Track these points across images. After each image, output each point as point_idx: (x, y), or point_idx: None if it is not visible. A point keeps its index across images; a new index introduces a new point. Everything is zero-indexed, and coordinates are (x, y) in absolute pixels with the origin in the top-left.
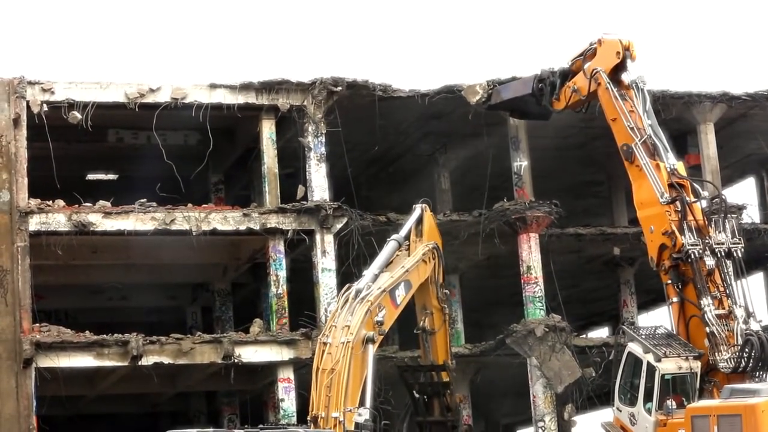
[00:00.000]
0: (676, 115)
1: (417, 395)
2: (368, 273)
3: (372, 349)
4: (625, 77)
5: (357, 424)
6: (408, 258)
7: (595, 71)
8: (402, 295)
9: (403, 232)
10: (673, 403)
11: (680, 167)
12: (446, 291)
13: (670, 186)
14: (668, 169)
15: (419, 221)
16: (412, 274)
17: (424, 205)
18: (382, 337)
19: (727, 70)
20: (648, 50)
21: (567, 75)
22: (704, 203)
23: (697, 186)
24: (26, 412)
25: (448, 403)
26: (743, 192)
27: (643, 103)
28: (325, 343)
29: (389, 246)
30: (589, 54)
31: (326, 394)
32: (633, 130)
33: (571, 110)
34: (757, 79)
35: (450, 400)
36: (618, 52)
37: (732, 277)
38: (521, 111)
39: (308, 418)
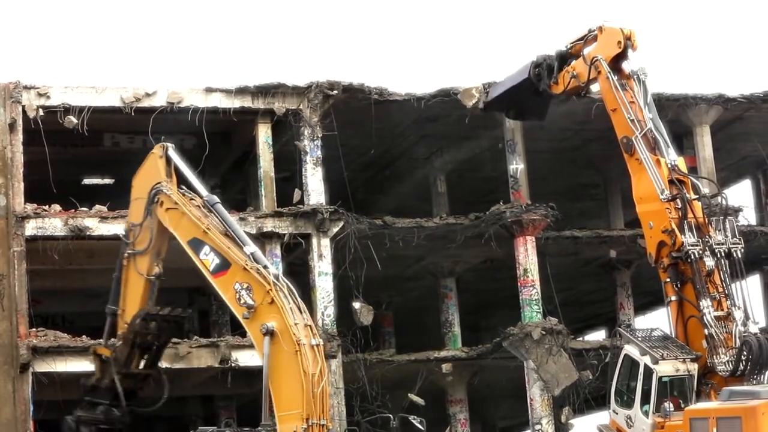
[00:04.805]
0: (672, 117)
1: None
2: (257, 253)
3: None
4: (626, 66)
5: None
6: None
7: (595, 59)
8: None
9: (203, 188)
10: (671, 405)
11: (681, 163)
12: None
13: (671, 182)
14: (669, 165)
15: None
16: None
17: (172, 145)
18: None
19: (723, 72)
20: (644, 52)
21: (565, 58)
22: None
23: (697, 183)
24: (23, 417)
25: (156, 357)
26: (740, 194)
27: (644, 96)
28: (300, 343)
29: (227, 213)
30: (589, 39)
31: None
32: (633, 122)
33: (570, 95)
34: (752, 81)
35: (160, 354)
36: (619, 42)
37: (730, 278)
38: (517, 109)
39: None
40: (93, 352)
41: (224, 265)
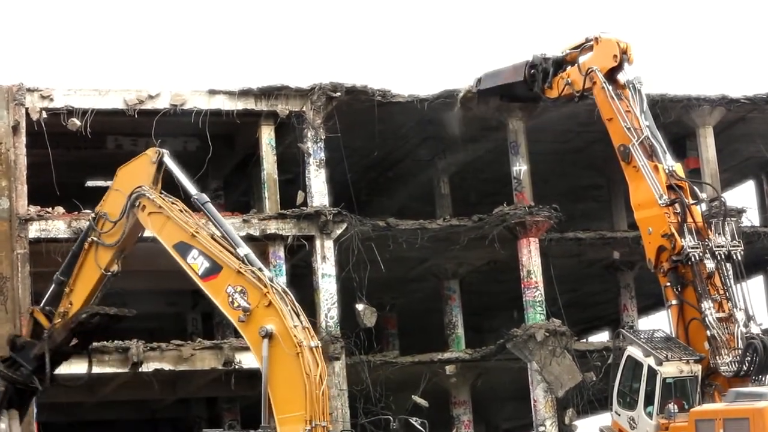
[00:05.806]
0: (675, 118)
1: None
2: (250, 255)
3: None
4: (621, 77)
5: None
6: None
7: (590, 70)
8: None
9: (193, 188)
10: (675, 406)
11: (678, 169)
12: None
13: (669, 188)
14: (666, 171)
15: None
16: None
17: (167, 152)
18: None
19: (726, 73)
20: (647, 54)
21: (561, 64)
22: (704, 206)
23: (695, 188)
24: (27, 419)
25: (88, 343)
26: (743, 195)
27: (640, 104)
28: (301, 345)
29: (218, 213)
30: (585, 48)
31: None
32: (630, 130)
33: (564, 100)
34: (756, 82)
35: (92, 340)
36: (615, 56)
37: (732, 280)
38: (511, 95)
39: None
40: (30, 313)
41: (214, 269)
